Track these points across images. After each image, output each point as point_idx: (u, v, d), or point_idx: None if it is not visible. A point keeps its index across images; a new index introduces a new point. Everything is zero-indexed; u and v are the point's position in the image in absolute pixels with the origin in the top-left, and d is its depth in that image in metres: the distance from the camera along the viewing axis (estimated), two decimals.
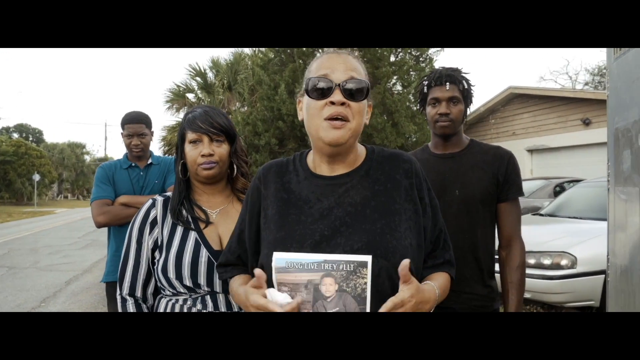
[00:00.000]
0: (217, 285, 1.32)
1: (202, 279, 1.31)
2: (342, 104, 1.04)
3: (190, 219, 1.39)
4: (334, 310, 0.97)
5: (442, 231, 1.15)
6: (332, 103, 1.04)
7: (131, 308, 1.36)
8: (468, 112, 1.79)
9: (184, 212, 1.40)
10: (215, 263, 1.31)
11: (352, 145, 1.10)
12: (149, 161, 2.67)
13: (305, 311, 0.98)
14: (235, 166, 1.45)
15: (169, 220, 1.39)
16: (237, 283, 1.14)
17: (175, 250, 1.34)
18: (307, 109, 1.09)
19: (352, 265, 0.97)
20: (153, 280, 1.40)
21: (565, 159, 12.77)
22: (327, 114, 1.04)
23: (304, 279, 0.99)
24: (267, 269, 1.04)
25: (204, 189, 1.45)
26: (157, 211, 1.41)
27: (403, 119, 12.51)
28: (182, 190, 1.42)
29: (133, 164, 2.63)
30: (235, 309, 1.33)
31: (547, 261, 4.41)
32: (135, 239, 1.39)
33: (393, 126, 11.83)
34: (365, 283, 0.97)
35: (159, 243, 1.37)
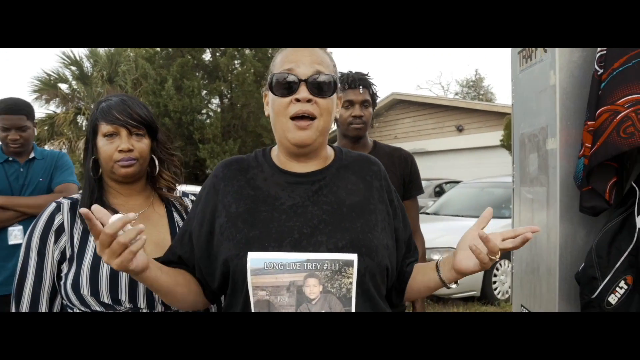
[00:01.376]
0: (141, 300, 1.14)
1: (123, 294, 1.12)
2: (309, 100, 0.96)
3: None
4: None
5: (411, 232, 1.14)
6: (298, 100, 0.96)
7: None
8: None
9: None
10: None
11: (323, 143, 1.04)
12: (31, 155, 2.29)
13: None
14: (156, 163, 1.25)
15: (78, 226, 1.17)
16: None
17: (89, 263, 1.12)
18: (272, 106, 1.00)
19: (337, 264, 0.91)
20: (59, 297, 1.17)
21: (441, 162, 13.94)
22: (293, 111, 0.96)
23: (286, 280, 0.91)
24: (238, 271, 0.93)
25: (119, 190, 1.24)
26: (64, 216, 1.18)
27: None
28: (93, 191, 1.20)
29: (10, 158, 2.23)
30: None
31: (436, 256, 4.77)
32: (36, 249, 1.15)
33: None
34: (351, 283, 0.92)
35: (67, 254, 1.15)
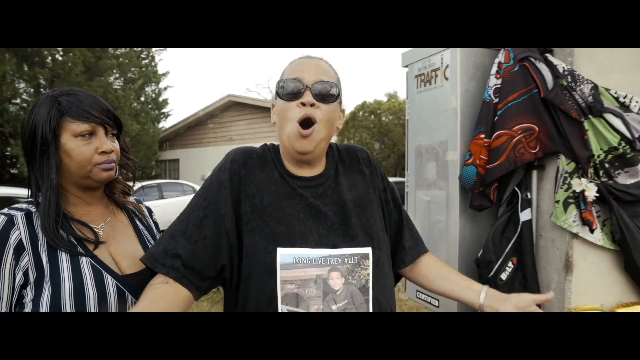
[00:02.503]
0: None
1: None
2: (312, 105, 1.06)
3: (72, 240, 1.05)
4: (343, 303, 1.02)
5: (405, 211, 1.30)
6: (303, 104, 1.05)
7: None
8: None
9: (64, 235, 1.04)
10: (125, 291, 1.06)
11: (324, 150, 1.13)
12: None
13: (316, 306, 1.00)
14: (119, 166, 1.16)
15: (43, 243, 1.01)
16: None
17: (70, 284, 1.00)
18: (279, 112, 1.09)
19: (355, 258, 1.04)
20: None
21: None
22: (299, 115, 1.05)
23: (313, 274, 1.01)
24: (266, 265, 1.00)
25: (83, 198, 1.11)
26: (21, 232, 1.00)
27: (126, 116, 11.86)
28: (57, 201, 1.05)
29: None
30: None
31: None
32: None
33: None
34: (368, 274, 1.05)
35: (32, 277, 0.99)
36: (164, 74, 14.93)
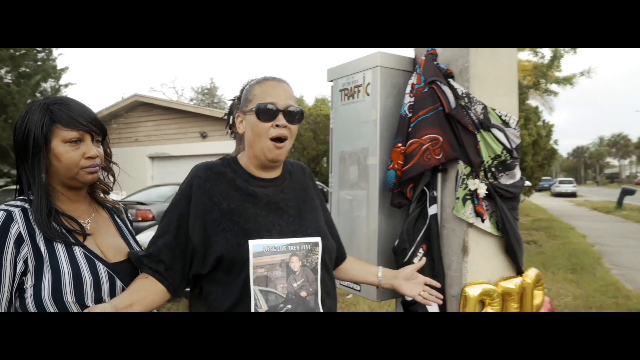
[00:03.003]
0: None
1: (106, 296, 1.20)
2: (285, 126, 1.31)
3: (65, 232, 1.19)
4: (301, 281, 1.26)
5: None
6: (277, 125, 1.29)
7: None
8: None
9: (57, 227, 1.19)
10: (115, 277, 1.23)
11: (285, 158, 1.38)
12: None
13: (281, 285, 1.23)
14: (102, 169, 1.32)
15: (39, 235, 1.16)
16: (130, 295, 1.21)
17: (69, 270, 1.16)
18: (253, 128, 1.31)
19: (309, 245, 1.30)
20: (12, 308, 1.14)
21: (184, 166, 14.17)
22: (273, 134, 1.29)
23: (279, 259, 1.25)
24: (239, 256, 1.21)
25: (70, 196, 1.27)
26: (20, 225, 1.14)
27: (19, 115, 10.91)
28: (48, 198, 1.19)
29: None
30: None
31: None
32: None
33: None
34: (317, 258, 1.31)
35: (31, 265, 1.13)
36: (63, 70, 13.87)
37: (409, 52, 2.32)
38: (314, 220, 1.39)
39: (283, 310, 1.25)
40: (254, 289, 1.23)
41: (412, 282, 1.62)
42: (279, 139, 1.31)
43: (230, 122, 2.15)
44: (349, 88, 2.38)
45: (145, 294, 1.22)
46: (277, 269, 1.26)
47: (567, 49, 9.22)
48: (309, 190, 1.46)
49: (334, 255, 1.44)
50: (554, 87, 10.36)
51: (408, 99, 2.07)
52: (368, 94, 2.24)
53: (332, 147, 2.55)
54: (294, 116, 1.34)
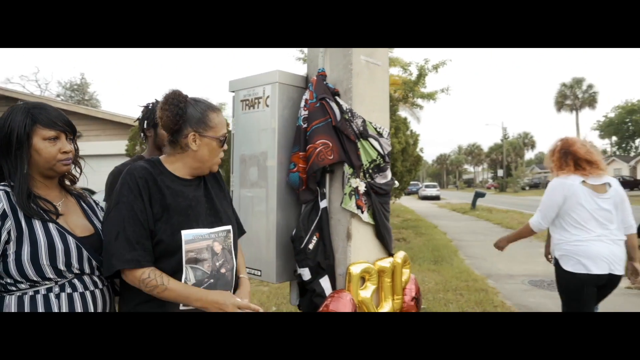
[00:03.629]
0: (87, 267, 1.48)
1: (75, 262, 1.45)
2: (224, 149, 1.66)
3: (41, 211, 1.44)
4: (222, 260, 1.57)
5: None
6: (223, 150, 1.65)
7: None
8: None
9: (34, 206, 1.42)
10: (82, 248, 1.47)
11: None
12: None
13: (207, 264, 1.52)
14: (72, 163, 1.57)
15: (19, 212, 1.41)
16: (176, 282, 1.49)
17: (45, 241, 1.41)
18: (210, 148, 1.61)
19: (225, 232, 1.62)
20: None
21: None
22: (221, 156, 1.66)
23: (205, 244, 1.54)
24: (174, 243, 1.49)
25: (46, 183, 1.53)
26: (4, 204, 1.40)
27: None
28: (27, 184, 1.44)
29: None
30: (97, 285, 1.53)
31: None
32: None
33: None
34: (231, 242, 1.64)
35: (13, 236, 1.38)
36: None
37: (302, 68, 2.72)
38: (224, 211, 1.71)
39: (206, 284, 1.55)
40: (185, 267, 1.51)
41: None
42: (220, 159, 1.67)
43: (144, 127, 2.33)
44: (250, 99, 2.71)
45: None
46: (204, 252, 1.55)
47: (430, 68, 10.57)
48: (217, 186, 1.77)
49: (238, 236, 1.78)
50: (420, 101, 11.75)
51: (303, 112, 2.47)
52: (267, 105, 2.59)
53: (233, 151, 2.85)
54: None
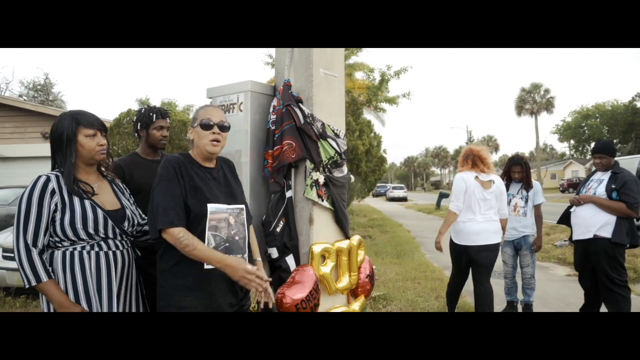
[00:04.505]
0: (110, 232, 1.96)
1: (101, 228, 1.93)
2: (217, 133, 2.07)
3: (82, 192, 1.92)
4: (235, 230, 2.00)
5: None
6: (213, 132, 2.05)
7: (36, 258, 1.85)
8: None
9: (76, 188, 1.91)
10: (108, 218, 1.95)
11: (218, 154, 2.15)
12: None
13: (224, 231, 1.96)
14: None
15: (64, 191, 1.92)
16: (203, 244, 1.91)
17: (80, 211, 1.92)
18: (199, 134, 2.05)
19: (238, 209, 2.06)
20: (48, 234, 1.86)
21: (23, 169, 13.04)
22: (211, 137, 2.05)
23: (223, 216, 1.99)
24: (201, 214, 1.95)
25: (87, 170, 2.01)
26: (54, 184, 1.92)
27: None
28: (71, 171, 1.93)
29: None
30: (119, 248, 2.00)
31: None
32: (37, 202, 1.87)
33: None
34: (244, 217, 2.07)
35: (59, 207, 1.90)
36: None
37: (270, 73, 3.14)
38: (239, 194, 2.16)
39: (222, 247, 1.98)
40: (207, 233, 1.97)
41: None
42: (216, 140, 2.08)
43: (138, 129, 2.73)
44: (226, 105, 3.13)
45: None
46: (222, 222, 2.00)
47: (392, 74, 11.18)
48: (232, 175, 2.23)
49: (250, 218, 2.20)
50: (383, 104, 12.35)
51: (272, 117, 2.91)
52: (241, 110, 3.01)
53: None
54: (223, 127, 2.14)
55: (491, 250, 3.95)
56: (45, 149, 12.66)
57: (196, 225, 1.96)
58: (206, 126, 2.08)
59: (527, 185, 4.68)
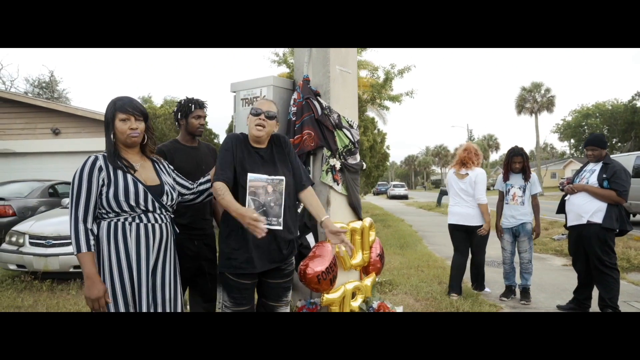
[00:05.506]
0: (150, 206, 2.20)
1: (142, 201, 2.18)
2: (263, 119, 2.41)
3: (124, 167, 2.19)
4: (273, 197, 2.32)
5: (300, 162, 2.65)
6: (260, 118, 2.40)
7: (82, 231, 2.08)
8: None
9: (119, 162, 2.19)
10: (148, 192, 2.20)
11: (267, 138, 2.48)
12: None
13: (262, 196, 2.28)
14: (146, 137, 2.31)
15: (110, 169, 2.17)
16: (231, 197, 2.26)
17: (123, 186, 2.14)
18: (250, 120, 2.42)
19: (277, 180, 2.37)
20: (95, 211, 2.12)
21: (33, 164, 13.33)
22: (256, 123, 2.41)
23: (262, 184, 2.31)
24: (243, 180, 2.30)
25: (127, 150, 2.28)
26: (101, 162, 2.17)
27: None
28: (114, 151, 2.21)
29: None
30: (157, 221, 2.23)
31: None
32: (86, 179, 2.12)
33: None
34: (282, 189, 2.38)
35: (105, 182, 2.14)
36: None
37: (276, 70, 3.45)
38: (282, 167, 2.47)
39: (260, 210, 2.30)
40: (247, 197, 2.32)
41: (332, 235, 2.53)
42: (261, 125, 2.44)
43: (179, 118, 3.03)
44: (249, 98, 3.43)
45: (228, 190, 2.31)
46: (260, 189, 2.34)
47: (396, 73, 11.47)
48: (281, 151, 2.55)
49: (292, 189, 2.49)
50: (387, 103, 12.64)
51: (292, 109, 3.21)
52: None
53: None
54: (269, 116, 2.47)
55: (474, 231, 5.06)
56: (55, 144, 13.01)
57: (241, 189, 2.35)
58: (255, 113, 2.45)
59: (527, 176, 4.99)
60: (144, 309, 2.15)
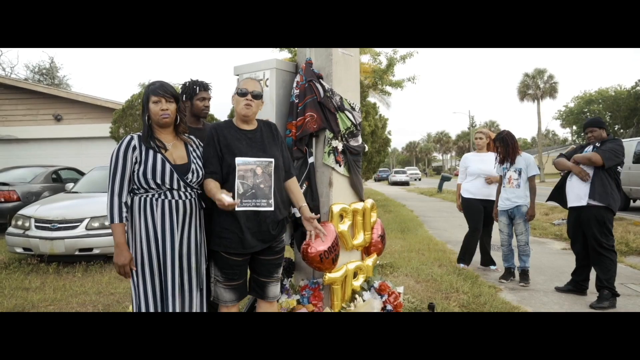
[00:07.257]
0: (175, 184, 2.34)
1: (167, 180, 2.32)
2: (250, 99, 2.45)
3: (156, 147, 2.33)
4: (261, 179, 2.37)
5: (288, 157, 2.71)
6: (247, 99, 2.43)
7: (116, 204, 2.31)
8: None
9: (151, 143, 2.32)
10: (174, 171, 2.34)
11: (253, 117, 2.53)
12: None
13: (250, 180, 2.33)
14: (178, 118, 2.45)
15: (143, 148, 2.37)
16: (213, 184, 2.34)
17: (153, 162, 2.30)
18: (236, 100, 2.45)
19: (266, 162, 2.43)
20: (130, 186, 2.30)
21: (36, 150, 13.41)
22: (244, 103, 2.44)
23: (250, 168, 2.35)
24: (232, 165, 2.35)
25: (160, 130, 2.43)
26: (135, 142, 2.38)
27: None
28: (148, 131, 2.35)
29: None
30: (182, 198, 2.37)
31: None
32: (122, 156, 2.34)
33: None
34: (271, 170, 2.44)
35: (138, 160, 2.34)
36: None
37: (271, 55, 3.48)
38: (271, 150, 2.53)
39: (249, 193, 2.38)
40: (237, 181, 2.38)
41: (306, 221, 2.72)
42: (247, 105, 2.48)
43: (183, 100, 3.06)
44: None
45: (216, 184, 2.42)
46: (249, 172, 2.40)
47: (398, 58, 11.44)
48: (271, 135, 2.61)
49: (282, 170, 2.57)
50: (388, 88, 12.63)
51: (295, 91, 3.25)
52: (267, 86, 3.35)
53: None
54: (255, 95, 2.53)
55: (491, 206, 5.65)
56: (57, 130, 13.12)
57: (230, 174, 2.42)
58: (241, 94, 2.50)
59: (511, 160, 5.05)
60: (169, 275, 2.36)
